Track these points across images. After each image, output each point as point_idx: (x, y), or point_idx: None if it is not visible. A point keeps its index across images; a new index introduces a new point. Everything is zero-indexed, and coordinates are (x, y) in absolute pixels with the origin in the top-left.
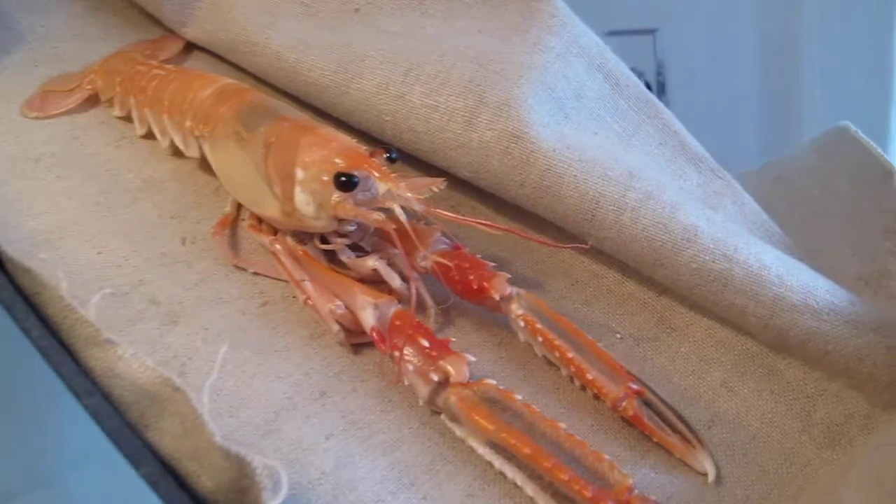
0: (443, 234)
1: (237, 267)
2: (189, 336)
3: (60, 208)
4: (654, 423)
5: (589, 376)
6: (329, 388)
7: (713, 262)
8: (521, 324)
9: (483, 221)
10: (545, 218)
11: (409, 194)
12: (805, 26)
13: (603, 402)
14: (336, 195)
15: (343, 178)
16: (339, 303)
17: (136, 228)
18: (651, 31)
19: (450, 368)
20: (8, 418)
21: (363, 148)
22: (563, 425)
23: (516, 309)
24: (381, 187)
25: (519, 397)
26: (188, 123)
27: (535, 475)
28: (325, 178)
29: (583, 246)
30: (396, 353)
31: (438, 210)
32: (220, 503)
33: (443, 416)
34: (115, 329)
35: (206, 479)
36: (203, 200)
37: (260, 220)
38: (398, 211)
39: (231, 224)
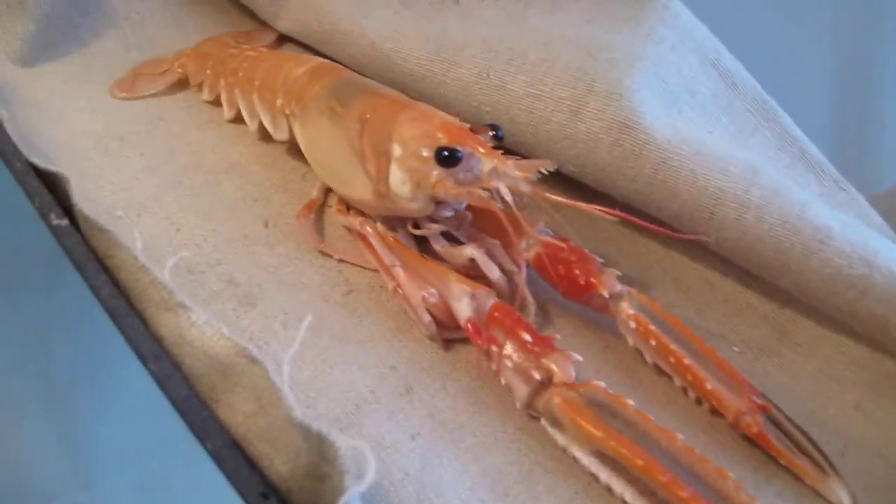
0: (546, 226)
1: (322, 253)
2: (267, 319)
3: (142, 184)
4: (782, 444)
5: (708, 386)
6: (416, 383)
7: (850, 266)
8: (632, 325)
9: (598, 207)
10: (654, 216)
11: (517, 173)
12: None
13: (721, 419)
14: (437, 172)
15: (446, 153)
16: (432, 290)
17: (218, 209)
18: None
19: (554, 367)
20: (76, 378)
21: (467, 126)
22: (680, 437)
23: (627, 308)
24: (486, 165)
25: (631, 402)
26: (279, 102)
27: (647, 491)
28: (426, 154)
29: (705, 239)
30: (494, 348)
31: (548, 194)
32: (294, 491)
33: (543, 421)
34: (197, 312)
35: (279, 462)
36: (289, 185)
37: (348, 205)
38: (504, 191)
39: (318, 209)
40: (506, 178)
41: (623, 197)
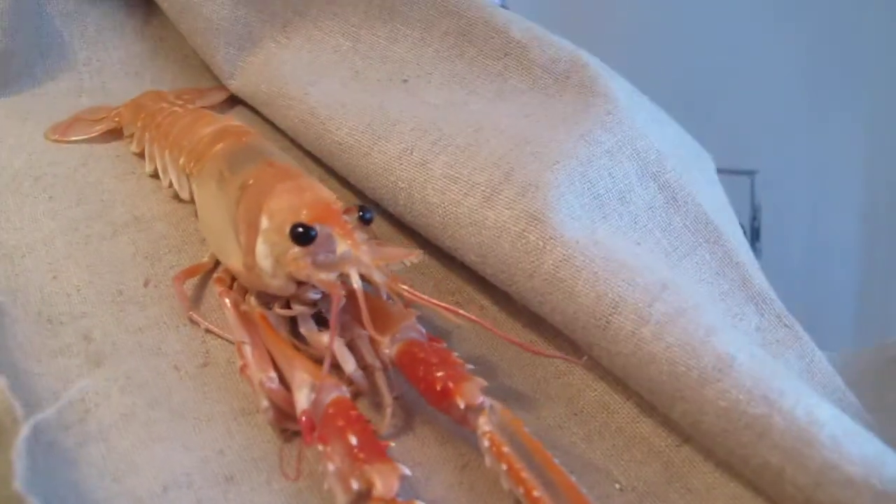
0: (418, 322)
1: (191, 320)
2: (107, 381)
3: (38, 227)
4: None
5: None
6: (240, 473)
7: (748, 402)
8: (486, 443)
9: (449, 307)
10: (552, 323)
11: (368, 260)
12: None
13: None
14: (294, 250)
15: (300, 230)
16: (272, 375)
17: (105, 261)
18: (750, 173)
19: (375, 478)
20: None
21: (339, 204)
22: None
23: (483, 424)
24: (340, 247)
25: None
26: (182, 160)
27: None
28: (285, 229)
29: (575, 360)
30: (321, 447)
31: (403, 286)
32: None
33: None
34: (36, 358)
35: None
36: (185, 247)
37: (233, 278)
38: (354, 278)
39: (202, 275)
40: (358, 263)
41: (519, 295)
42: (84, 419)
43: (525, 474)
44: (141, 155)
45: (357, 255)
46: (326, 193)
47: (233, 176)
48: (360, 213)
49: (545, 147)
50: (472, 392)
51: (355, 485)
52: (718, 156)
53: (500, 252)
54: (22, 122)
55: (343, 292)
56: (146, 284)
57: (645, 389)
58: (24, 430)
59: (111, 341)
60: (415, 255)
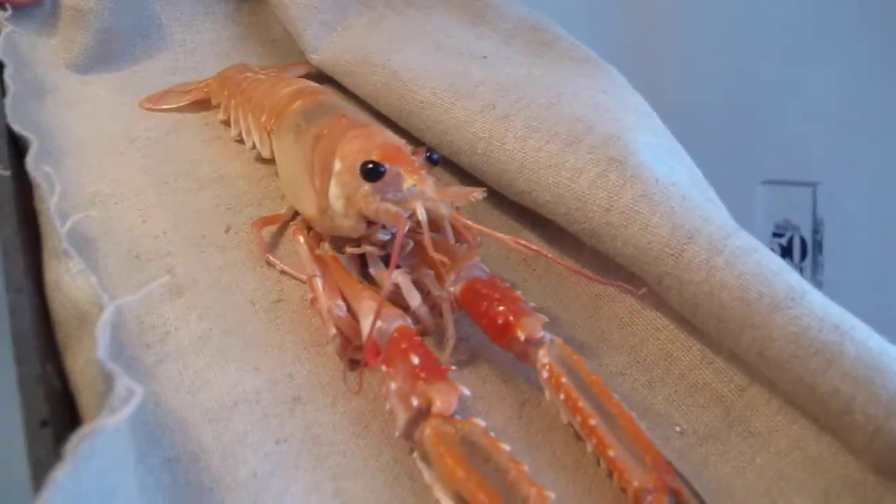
0: (482, 262)
1: (267, 263)
2: (187, 309)
3: (131, 178)
4: None
5: (611, 453)
6: (307, 395)
7: (819, 330)
8: (545, 374)
9: (511, 238)
10: (619, 259)
11: (433, 194)
12: None
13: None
14: (364, 188)
15: (370, 166)
16: (341, 304)
17: (190, 210)
18: (811, 185)
19: (435, 396)
20: None
21: (408, 147)
22: (552, 496)
23: (543, 356)
24: (407, 183)
25: (507, 448)
26: (263, 118)
27: None
28: (356, 169)
29: (632, 290)
30: (384, 368)
31: (467, 220)
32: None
33: (414, 455)
34: (123, 288)
35: (87, 399)
36: (265, 202)
37: (309, 227)
38: (420, 212)
39: (279, 224)
40: (424, 197)
41: (591, 232)
42: (164, 340)
43: (582, 404)
44: (227, 123)
45: (422, 190)
46: (395, 138)
47: (309, 127)
48: (428, 154)
49: (623, 116)
50: (532, 325)
51: (415, 401)
52: (779, 167)
53: (576, 190)
54: (121, 94)
55: (408, 221)
56: (227, 231)
57: (714, 318)
58: (108, 311)
59: (192, 277)
60: (478, 192)
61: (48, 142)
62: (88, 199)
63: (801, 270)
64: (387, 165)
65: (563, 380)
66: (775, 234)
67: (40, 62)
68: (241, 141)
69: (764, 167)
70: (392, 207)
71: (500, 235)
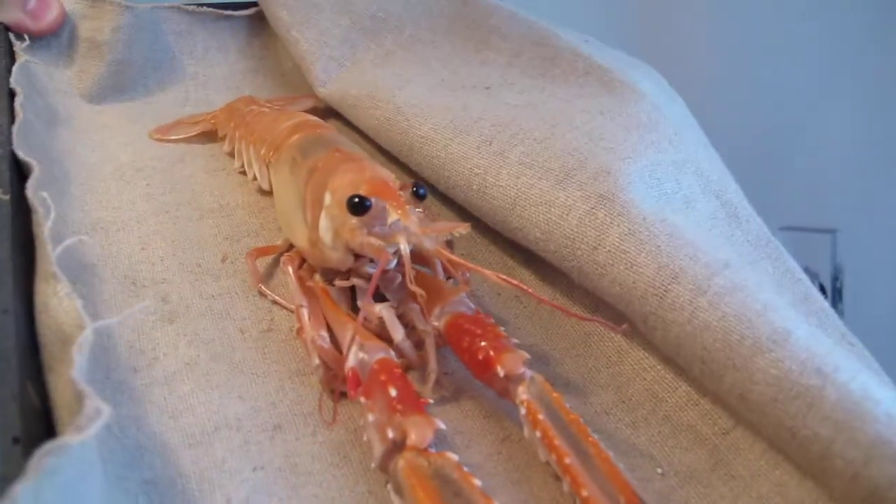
0: (468, 297)
1: (260, 292)
2: (176, 336)
3: (134, 207)
4: None
5: (585, 493)
6: (288, 424)
7: (800, 374)
8: (523, 411)
9: (495, 273)
10: (607, 298)
11: (417, 229)
12: None
13: None
14: (352, 221)
15: (356, 200)
16: (324, 334)
17: (189, 239)
18: (831, 231)
19: (410, 429)
20: None
21: (396, 182)
22: None
23: (522, 393)
24: (391, 218)
25: (478, 483)
26: (263, 151)
27: None
28: (344, 202)
29: (614, 326)
30: (363, 400)
31: (452, 256)
32: None
33: (388, 486)
34: (117, 313)
35: (64, 420)
36: (263, 232)
37: (303, 259)
38: (403, 247)
39: (275, 256)
40: (409, 234)
41: (579, 270)
42: (152, 365)
43: (558, 442)
44: (232, 154)
45: (406, 225)
46: (385, 173)
47: (304, 161)
48: (414, 189)
49: (618, 144)
50: (513, 362)
51: (391, 434)
52: (798, 213)
53: (566, 228)
54: (132, 124)
55: (391, 257)
56: (223, 260)
57: (697, 360)
58: (86, 332)
59: (185, 304)
60: (462, 227)
61: (56, 168)
62: (91, 226)
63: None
64: (373, 200)
65: (541, 417)
66: None
67: (55, 91)
68: (244, 172)
69: (783, 213)
70: (375, 242)
71: (484, 271)
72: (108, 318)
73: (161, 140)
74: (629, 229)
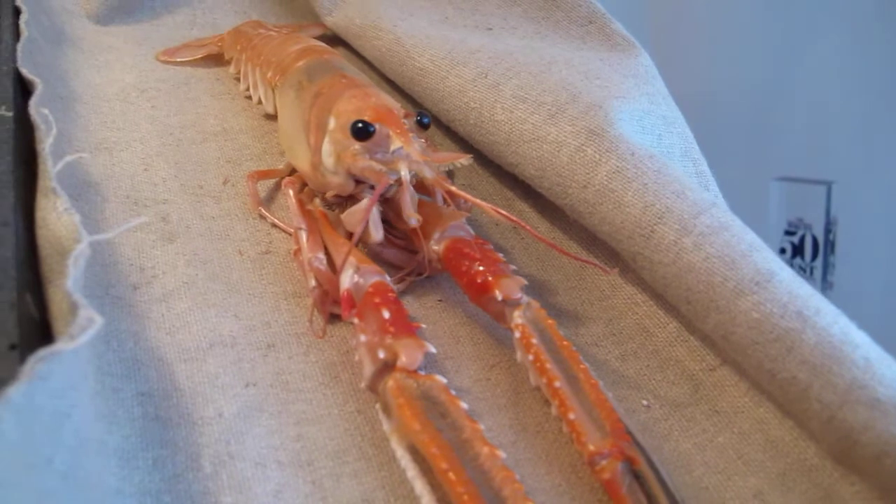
0: (467, 222)
1: (260, 215)
2: (176, 255)
3: (138, 128)
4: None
5: (571, 416)
6: (281, 343)
7: (782, 317)
8: (517, 334)
9: (492, 206)
10: (599, 235)
11: (418, 156)
12: None
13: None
14: (354, 147)
15: (359, 125)
16: (321, 256)
17: (192, 161)
18: (826, 183)
19: (401, 350)
20: None
21: (401, 110)
22: (502, 455)
23: (517, 317)
24: (394, 145)
25: (465, 406)
26: (269, 74)
27: (444, 501)
28: (347, 127)
29: (606, 269)
30: (355, 321)
31: (449, 184)
32: None
33: (377, 405)
34: (115, 228)
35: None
36: (265, 157)
37: (305, 184)
38: (404, 173)
39: (276, 179)
40: (409, 159)
41: (571, 207)
42: (151, 283)
43: (549, 366)
44: (238, 78)
45: (408, 152)
46: (390, 101)
47: (310, 85)
48: (418, 118)
49: (613, 85)
50: (510, 286)
51: (381, 354)
52: (795, 164)
53: (557, 165)
54: (138, 46)
55: (390, 181)
56: (225, 183)
57: (682, 300)
58: (80, 245)
59: (185, 224)
60: (465, 158)
61: (60, 87)
62: (95, 145)
63: (811, 270)
64: (376, 126)
65: (534, 341)
66: (787, 232)
67: (62, 11)
68: (249, 97)
69: (779, 164)
70: (376, 166)
71: (481, 203)
72: (110, 243)
73: (167, 62)
74: (617, 166)
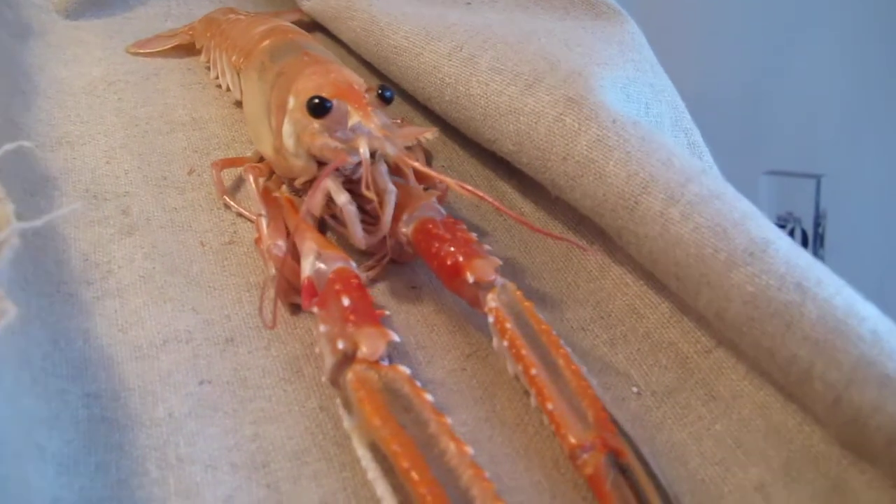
0: (437, 203)
1: (224, 204)
2: (134, 248)
3: (103, 121)
4: (621, 501)
5: (550, 406)
6: (241, 337)
7: (779, 289)
8: (491, 319)
9: (459, 182)
10: (582, 211)
11: (379, 132)
12: None
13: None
14: (314, 126)
15: (316, 101)
16: (281, 243)
17: (157, 152)
18: (815, 177)
19: (362, 340)
20: None
21: (363, 85)
22: (470, 451)
23: (491, 300)
24: (352, 120)
25: (430, 399)
26: (234, 57)
27: (407, 502)
28: (304, 104)
29: (582, 246)
30: (316, 310)
31: (414, 161)
32: None
33: (338, 400)
34: (74, 225)
35: None
36: (234, 145)
37: (272, 171)
38: (363, 151)
39: (242, 167)
40: (369, 135)
41: (552, 182)
42: (106, 277)
43: (526, 352)
44: (209, 66)
45: (368, 129)
46: (352, 76)
47: (272, 65)
48: (380, 91)
49: (596, 52)
50: (483, 268)
51: (341, 345)
52: (784, 157)
53: (535, 137)
54: (109, 39)
55: (347, 160)
56: (190, 173)
57: (672, 277)
58: (5, 233)
59: (146, 217)
60: (429, 132)
61: (23, 82)
62: (57, 140)
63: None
64: (334, 102)
65: (509, 326)
66: (777, 226)
67: (28, 5)
68: (220, 85)
69: (768, 157)
70: (332, 143)
71: (446, 178)
72: (65, 230)
73: (137, 53)
74: (597, 135)
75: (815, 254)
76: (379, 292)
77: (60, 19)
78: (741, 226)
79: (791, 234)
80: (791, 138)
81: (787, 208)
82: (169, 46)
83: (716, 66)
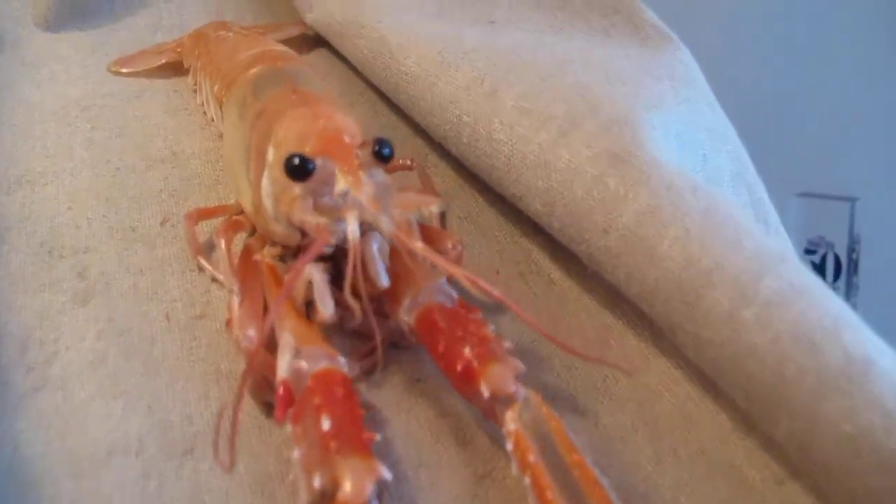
0: (447, 284)
1: (198, 266)
2: (87, 322)
3: (70, 156)
4: None
5: None
6: (203, 447)
7: (887, 432)
8: (510, 446)
9: (468, 274)
10: (627, 294)
11: (369, 202)
12: None
13: None
14: (292, 188)
15: (295, 161)
16: (251, 333)
17: (128, 195)
18: (850, 200)
19: (345, 476)
20: None
21: (356, 136)
22: None
23: (511, 420)
24: (339, 187)
25: None
26: (216, 87)
27: None
28: (283, 164)
29: (627, 371)
30: (290, 427)
31: (412, 243)
32: None
33: None
34: (23, 288)
35: None
36: (217, 187)
37: (254, 226)
38: (351, 224)
39: (222, 218)
40: (360, 207)
41: (589, 256)
42: (50, 361)
43: (552, 495)
44: (196, 90)
45: (356, 197)
46: (343, 123)
47: (254, 101)
48: (377, 147)
49: (644, 89)
50: (501, 377)
51: (318, 482)
52: (817, 179)
53: (570, 200)
54: (91, 54)
55: (332, 240)
56: (163, 223)
57: (741, 394)
58: None
59: (106, 280)
60: (434, 203)
61: None
62: (15, 180)
63: (833, 292)
64: (317, 161)
65: (532, 458)
66: (807, 251)
67: (4, 18)
68: (206, 113)
69: (800, 178)
70: (312, 220)
71: (456, 270)
72: (13, 295)
73: (119, 73)
74: (649, 205)
75: (849, 281)
76: (374, 385)
77: (39, 32)
78: (835, 337)
79: (823, 259)
80: (824, 158)
81: (820, 232)
82: (156, 65)
83: (746, 83)
